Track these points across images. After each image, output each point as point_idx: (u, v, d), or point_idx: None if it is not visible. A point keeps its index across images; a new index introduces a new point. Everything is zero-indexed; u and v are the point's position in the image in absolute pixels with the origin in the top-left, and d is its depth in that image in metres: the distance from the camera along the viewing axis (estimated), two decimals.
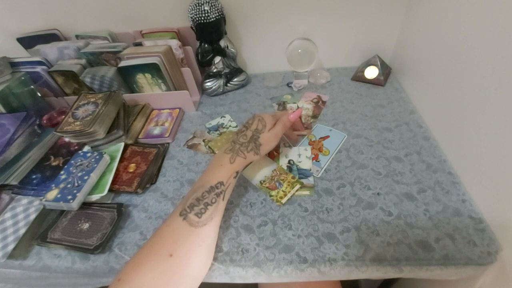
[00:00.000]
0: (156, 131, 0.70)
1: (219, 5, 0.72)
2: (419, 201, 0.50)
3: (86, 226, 0.51)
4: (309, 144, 0.64)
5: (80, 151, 0.62)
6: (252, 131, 0.51)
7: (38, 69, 0.74)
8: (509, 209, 0.42)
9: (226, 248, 0.47)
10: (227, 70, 0.84)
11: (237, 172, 0.47)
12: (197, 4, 0.70)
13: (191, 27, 0.75)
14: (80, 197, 0.52)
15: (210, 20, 0.71)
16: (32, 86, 0.71)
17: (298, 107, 0.75)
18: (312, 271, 0.44)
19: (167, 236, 0.39)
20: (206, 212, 0.41)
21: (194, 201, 0.42)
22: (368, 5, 0.74)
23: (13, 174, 0.59)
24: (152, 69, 0.70)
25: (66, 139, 0.68)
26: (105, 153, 0.59)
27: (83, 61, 0.75)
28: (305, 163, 0.59)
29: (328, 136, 0.65)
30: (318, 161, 0.59)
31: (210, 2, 0.70)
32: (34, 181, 0.60)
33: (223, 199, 0.44)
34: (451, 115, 0.56)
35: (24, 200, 0.56)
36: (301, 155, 0.61)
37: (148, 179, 0.59)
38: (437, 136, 0.61)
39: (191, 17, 0.72)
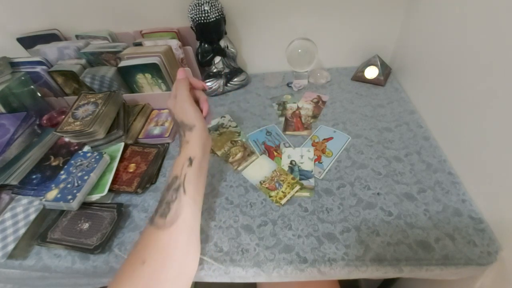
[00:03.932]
0: (156, 131, 0.70)
1: (219, 5, 0.72)
2: (419, 201, 0.50)
3: (86, 226, 0.51)
4: (312, 145, 0.64)
5: (80, 151, 0.62)
6: (175, 123, 0.50)
7: (38, 69, 0.74)
8: (509, 209, 0.42)
9: (226, 248, 0.47)
10: (227, 70, 0.84)
11: (189, 159, 0.44)
12: (197, 4, 0.70)
13: (191, 27, 0.75)
14: (80, 197, 0.52)
15: (210, 20, 0.71)
16: (32, 86, 0.71)
17: (298, 107, 0.75)
18: (312, 271, 0.44)
19: (139, 244, 0.39)
20: (170, 211, 0.40)
21: (157, 204, 0.41)
22: (368, 5, 0.74)
23: (13, 174, 0.59)
24: (152, 69, 0.70)
25: (66, 139, 0.68)
26: (105, 153, 0.59)
27: (83, 61, 0.75)
28: (307, 165, 0.59)
29: (331, 138, 0.65)
30: (321, 163, 0.59)
31: (210, 2, 0.70)
32: (34, 181, 0.60)
33: (184, 192, 0.42)
34: (451, 115, 0.56)
35: (24, 200, 0.56)
36: (303, 156, 0.61)
37: (148, 179, 0.59)
38: (437, 136, 0.61)
39: (191, 17, 0.72)
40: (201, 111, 0.50)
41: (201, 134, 0.47)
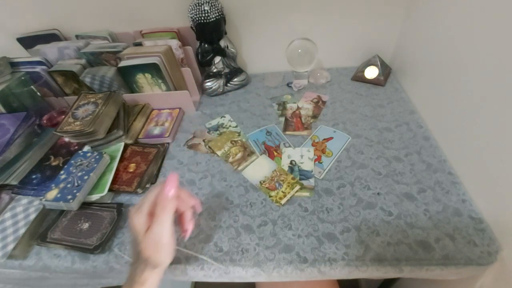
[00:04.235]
0: (156, 131, 0.70)
1: (219, 5, 0.72)
2: (419, 201, 0.50)
3: (86, 226, 0.51)
4: (312, 145, 0.64)
5: (80, 151, 0.62)
6: (134, 247, 0.37)
7: (38, 69, 0.74)
8: (509, 209, 0.42)
9: (226, 248, 0.47)
10: (227, 70, 0.84)
11: None
12: (197, 4, 0.70)
13: (191, 27, 0.75)
14: (80, 197, 0.52)
15: (210, 20, 0.71)
16: (32, 86, 0.71)
17: (298, 107, 0.75)
18: (312, 271, 0.44)
19: None
20: None
21: None
22: (368, 5, 0.74)
23: (13, 174, 0.59)
24: (152, 69, 0.70)
25: (66, 139, 0.68)
26: (105, 153, 0.59)
27: (83, 61, 0.75)
28: (307, 164, 0.59)
29: (331, 138, 0.65)
30: (321, 163, 0.59)
31: (210, 2, 0.70)
32: (34, 181, 0.60)
33: None
34: (451, 115, 0.56)
35: (24, 200, 0.56)
36: (303, 156, 0.61)
37: (148, 179, 0.59)
38: (437, 136, 0.61)
39: (191, 17, 0.72)
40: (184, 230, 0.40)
41: (162, 273, 0.38)
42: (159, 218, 0.36)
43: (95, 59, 0.76)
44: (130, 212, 0.37)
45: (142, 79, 0.73)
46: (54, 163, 0.63)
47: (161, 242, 0.36)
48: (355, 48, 0.85)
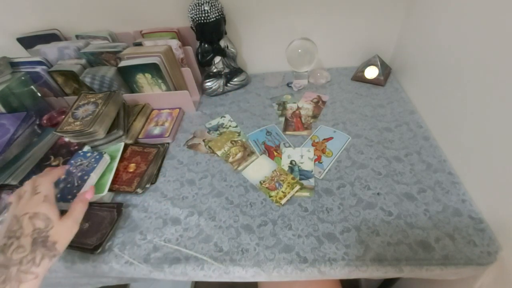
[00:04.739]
0: (156, 131, 0.70)
1: (219, 5, 0.72)
2: (419, 201, 0.50)
3: (86, 226, 0.51)
4: (312, 145, 0.64)
5: (80, 151, 0.62)
6: (29, 236, 0.35)
7: (38, 69, 0.74)
8: (509, 209, 0.42)
9: (226, 248, 0.47)
10: (227, 70, 0.84)
11: None
12: (197, 4, 0.70)
13: (191, 27, 0.75)
14: None
15: (210, 20, 0.71)
16: (32, 86, 0.71)
17: (298, 107, 0.75)
18: (312, 271, 0.44)
19: None
20: None
21: None
22: (368, 5, 0.75)
23: (13, 174, 0.59)
24: (152, 69, 0.70)
25: (66, 139, 0.68)
26: (105, 153, 0.59)
27: (83, 61, 0.75)
28: (307, 164, 0.59)
29: (331, 138, 0.65)
30: (321, 163, 0.59)
31: (210, 2, 0.70)
32: None
33: None
34: (451, 115, 0.56)
35: None
36: (303, 156, 0.61)
37: (148, 179, 0.59)
38: (437, 136, 0.61)
39: (191, 17, 0.72)
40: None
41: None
42: (75, 214, 0.42)
43: (95, 59, 0.76)
44: (36, 205, 0.38)
45: (142, 79, 0.73)
46: (54, 163, 0.63)
47: (72, 232, 0.40)
48: (355, 48, 0.85)
